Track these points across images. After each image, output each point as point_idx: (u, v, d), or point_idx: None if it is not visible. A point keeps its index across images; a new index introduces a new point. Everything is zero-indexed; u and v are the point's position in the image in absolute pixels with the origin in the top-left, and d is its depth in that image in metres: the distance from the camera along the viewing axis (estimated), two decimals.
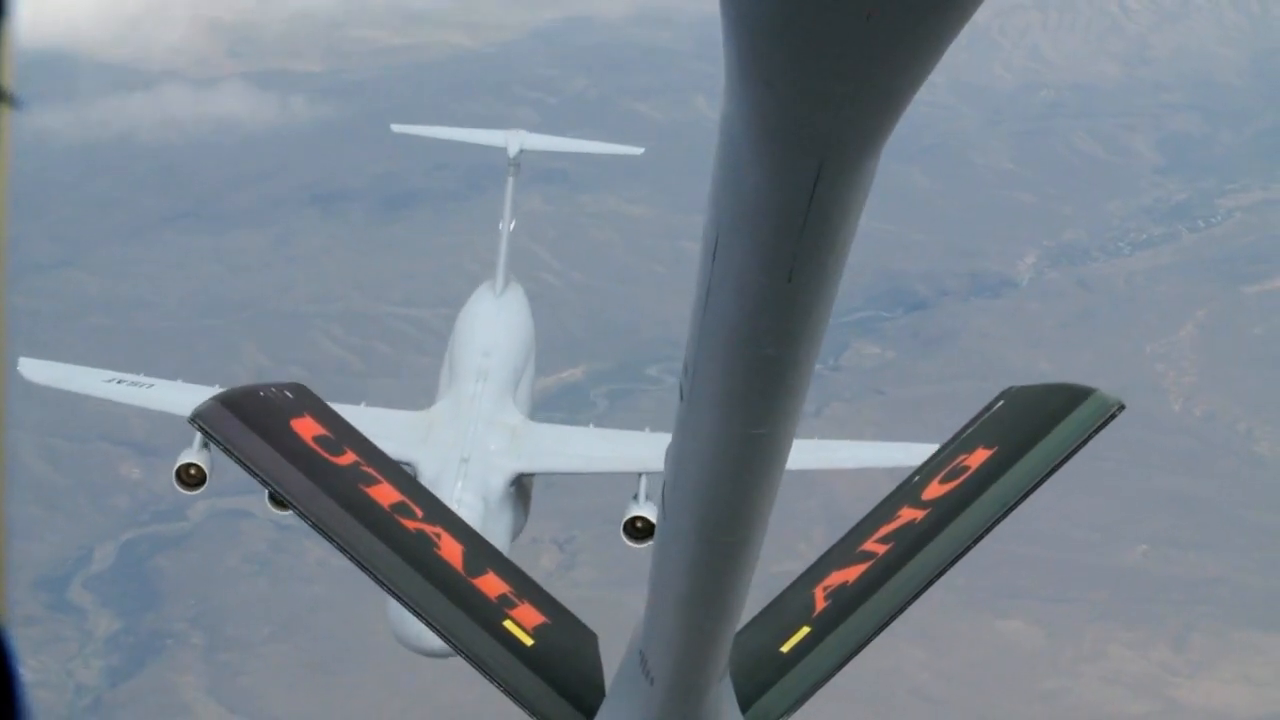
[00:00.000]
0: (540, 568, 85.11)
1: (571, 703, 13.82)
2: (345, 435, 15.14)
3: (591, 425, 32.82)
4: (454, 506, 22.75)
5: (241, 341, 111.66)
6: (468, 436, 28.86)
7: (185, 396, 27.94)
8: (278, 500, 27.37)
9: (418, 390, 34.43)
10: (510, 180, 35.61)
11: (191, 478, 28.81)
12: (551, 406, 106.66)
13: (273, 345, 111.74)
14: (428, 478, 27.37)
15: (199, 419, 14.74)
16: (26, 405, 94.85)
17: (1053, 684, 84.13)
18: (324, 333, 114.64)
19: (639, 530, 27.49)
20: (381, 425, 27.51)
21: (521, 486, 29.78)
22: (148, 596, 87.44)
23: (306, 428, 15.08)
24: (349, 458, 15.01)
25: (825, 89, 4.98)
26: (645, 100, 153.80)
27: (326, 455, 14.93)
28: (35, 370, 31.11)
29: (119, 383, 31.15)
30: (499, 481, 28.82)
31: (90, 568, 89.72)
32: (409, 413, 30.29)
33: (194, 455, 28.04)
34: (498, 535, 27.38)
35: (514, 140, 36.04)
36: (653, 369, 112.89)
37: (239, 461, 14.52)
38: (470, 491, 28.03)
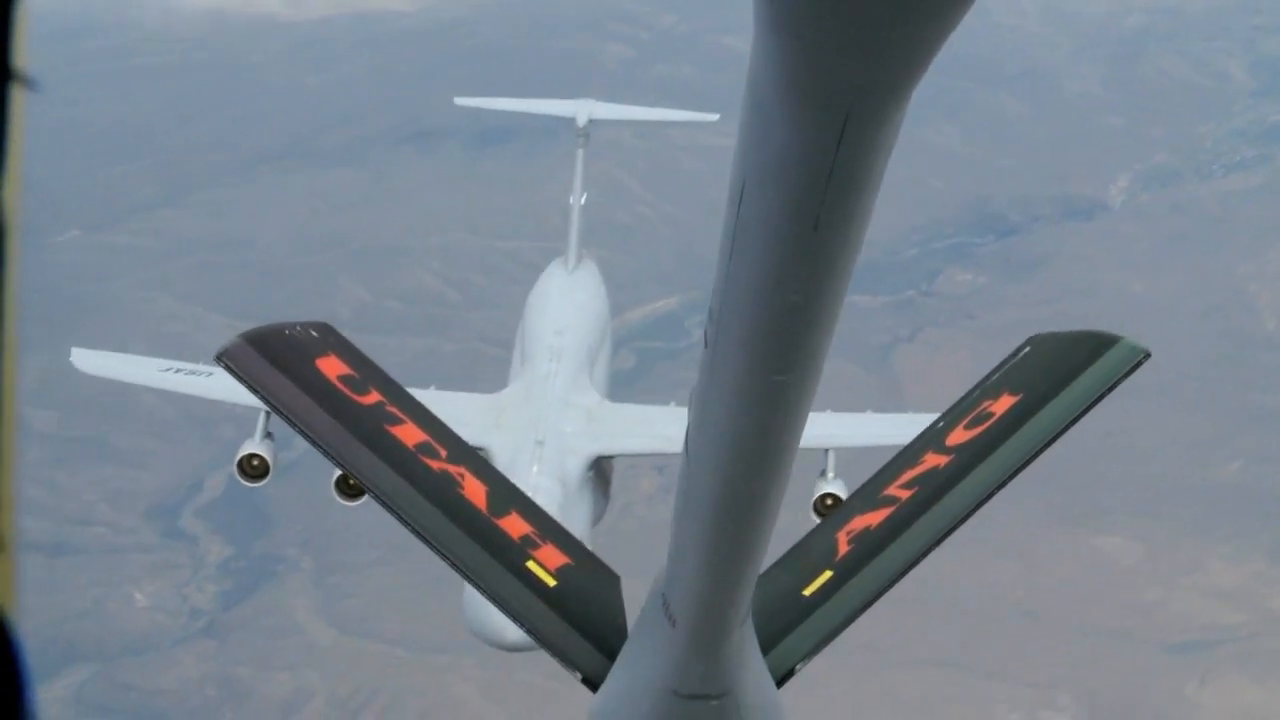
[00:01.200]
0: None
1: (593, 644, 13.76)
2: (370, 374, 15.01)
3: (672, 404, 30.32)
4: (530, 492, 21.65)
5: (340, 276, 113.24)
6: (542, 419, 27.64)
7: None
8: (344, 489, 25.77)
9: (515, 323, 33.10)
10: (580, 152, 34.14)
11: (254, 469, 28.18)
12: (647, 336, 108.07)
13: (371, 280, 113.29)
14: (502, 463, 25.78)
15: (225, 357, 14.67)
16: (138, 339, 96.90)
17: (1150, 597, 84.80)
18: (422, 266, 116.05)
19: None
20: (452, 409, 25.36)
21: (600, 470, 28.69)
22: (257, 523, 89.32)
23: (331, 366, 14.89)
24: (374, 397, 14.82)
25: (854, 39, 5.02)
26: (734, 34, 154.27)
27: (351, 394, 14.75)
28: (87, 361, 29.88)
29: (175, 372, 30.04)
30: (576, 465, 27.76)
31: (201, 497, 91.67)
32: (480, 396, 29.14)
33: (256, 446, 27.59)
34: (576, 521, 26.37)
35: (583, 110, 34.61)
36: None
37: (264, 399, 14.56)
38: (547, 476, 27.03)
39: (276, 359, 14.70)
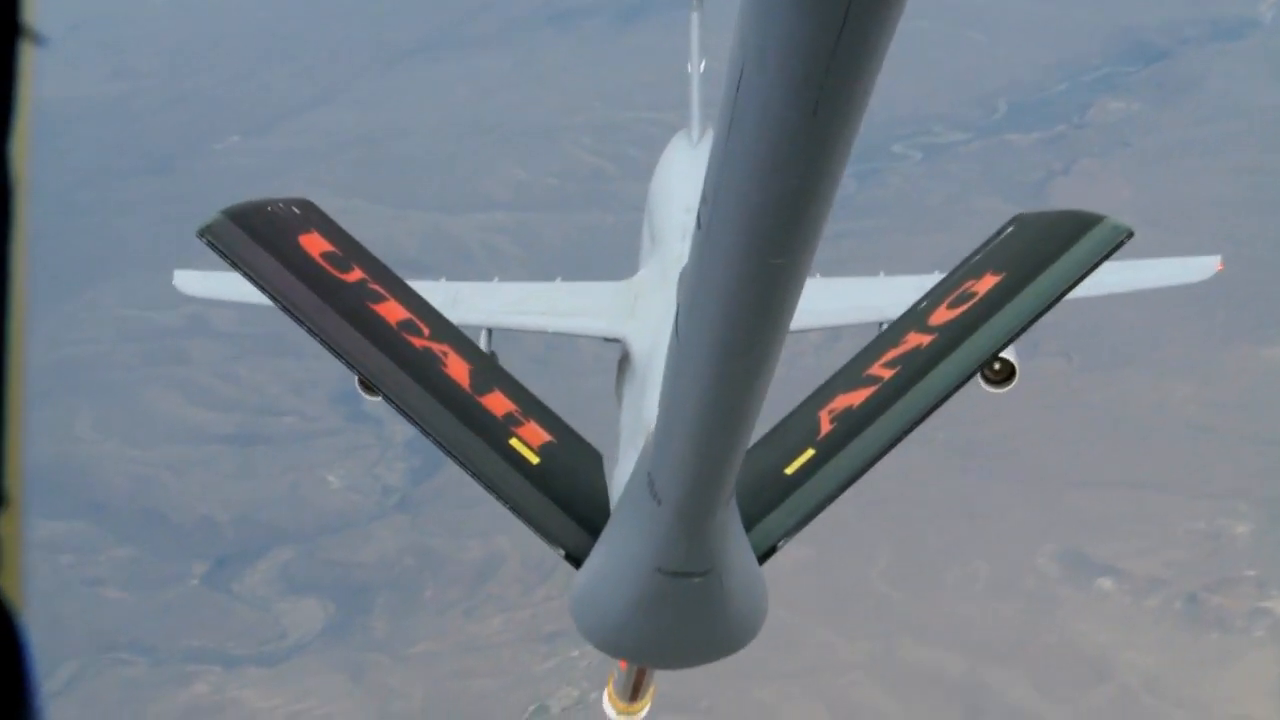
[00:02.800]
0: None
1: (577, 521, 13.87)
2: (353, 252, 15.14)
3: (817, 275, 30.90)
4: None
5: (497, 159, 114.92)
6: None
7: None
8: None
9: None
10: (694, 15, 32.11)
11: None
12: None
13: (527, 160, 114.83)
14: (639, 355, 23.88)
15: (207, 233, 14.73)
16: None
17: None
18: (575, 143, 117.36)
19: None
20: (583, 299, 25.41)
21: None
22: None
23: (314, 244, 14.98)
24: (356, 275, 14.89)
25: None
26: None
27: (334, 271, 14.81)
28: (190, 283, 28.08)
29: None
30: None
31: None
32: (611, 283, 27.26)
33: None
34: None
35: None
36: (898, 147, 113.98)
37: (246, 275, 14.65)
38: None
39: (259, 235, 14.84)
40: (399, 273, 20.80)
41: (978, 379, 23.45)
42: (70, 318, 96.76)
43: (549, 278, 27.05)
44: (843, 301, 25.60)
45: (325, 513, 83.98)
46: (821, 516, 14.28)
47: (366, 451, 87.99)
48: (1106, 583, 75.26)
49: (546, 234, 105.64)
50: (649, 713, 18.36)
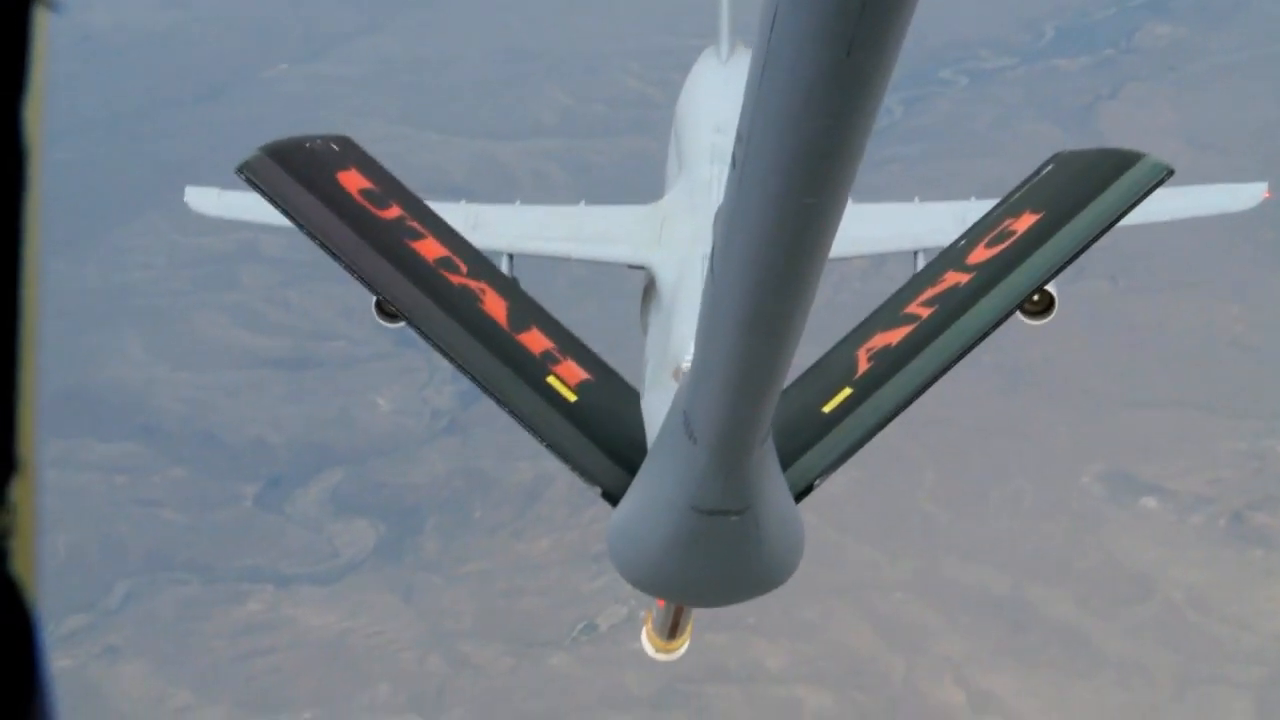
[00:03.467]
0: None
1: (613, 459, 13.97)
2: (391, 189, 15.16)
3: (850, 201, 28.63)
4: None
5: (544, 86, 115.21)
6: (710, 229, 24.98)
7: None
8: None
9: None
10: None
11: (391, 310, 27.41)
12: None
13: (575, 87, 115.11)
14: (665, 283, 23.04)
15: (246, 169, 14.81)
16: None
17: None
18: (623, 70, 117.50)
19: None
20: (607, 224, 24.63)
21: None
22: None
23: (352, 181, 14.98)
24: (394, 212, 14.89)
25: None
26: None
27: (372, 209, 14.81)
28: (202, 200, 27.27)
29: None
30: None
31: None
32: (635, 207, 26.03)
33: None
34: None
35: None
36: (945, 72, 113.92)
37: (285, 213, 14.72)
38: None
39: (297, 172, 14.89)
40: (444, 200, 20.88)
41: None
42: (122, 244, 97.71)
43: (591, 204, 26.33)
44: (877, 229, 24.67)
45: (375, 436, 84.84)
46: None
47: (415, 375, 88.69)
48: (1151, 502, 75.74)
49: (594, 160, 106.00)
50: (692, 637, 18.59)
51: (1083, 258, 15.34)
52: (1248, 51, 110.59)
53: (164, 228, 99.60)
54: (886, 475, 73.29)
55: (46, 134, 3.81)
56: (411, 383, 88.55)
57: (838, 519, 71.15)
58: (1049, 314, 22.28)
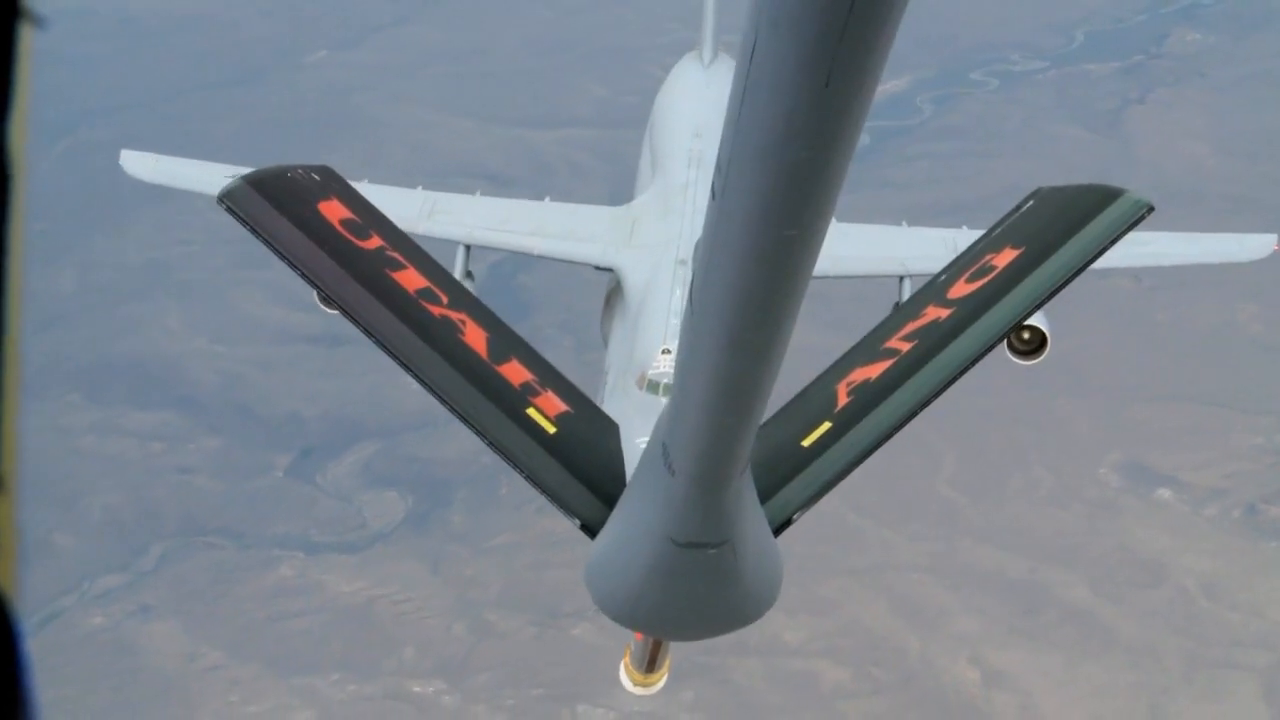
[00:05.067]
0: None
1: (592, 491, 13.77)
2: (372, 220, 15.09)
3: (832, 221, 27.02)
4: (670, 321, 20.32)
5: (579, 78, 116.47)
6: (684, 234, 22.70)
7: None
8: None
9: None
10: None
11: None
12: (879, 115, 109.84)
13: (609, 78, 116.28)
14: (635, 285, 22.60)
15: (227, 199, 14.81)
16: (394, 148, 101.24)
17: None
18: (656, 63, 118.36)
19: None
20: (573, 221, 24.53)
21: None
22: (518, 308, 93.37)
23: (333, 211, 14.97)
24: (375, 242, 14.82)
25: None
26: None
27: (353, 239, 14.77)
28: (137, 164, 26.48)
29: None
30: None
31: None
32: (604, 208, 25.43)
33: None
34: None
35: None
36: (976, 73, 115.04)
37: (266, 243, 14.69)
38: None
39: (278, 201, 14.87)
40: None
41: (1004, 350, 22.70)
42: (163, 221, 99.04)
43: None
44: (864, 250, 24.17)
45: (406, 412, 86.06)
46: None
47: None
48: (1166, 493, 76.95)
49: (626, 151, 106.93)
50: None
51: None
52: (1278, 59, 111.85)
53: (202, 206, 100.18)
54: (907, 461, 74.49)
55: (29, 151, 3.67)
56: None
57: (858, 502, 72.41)
58: (1040, 354, 22.42)
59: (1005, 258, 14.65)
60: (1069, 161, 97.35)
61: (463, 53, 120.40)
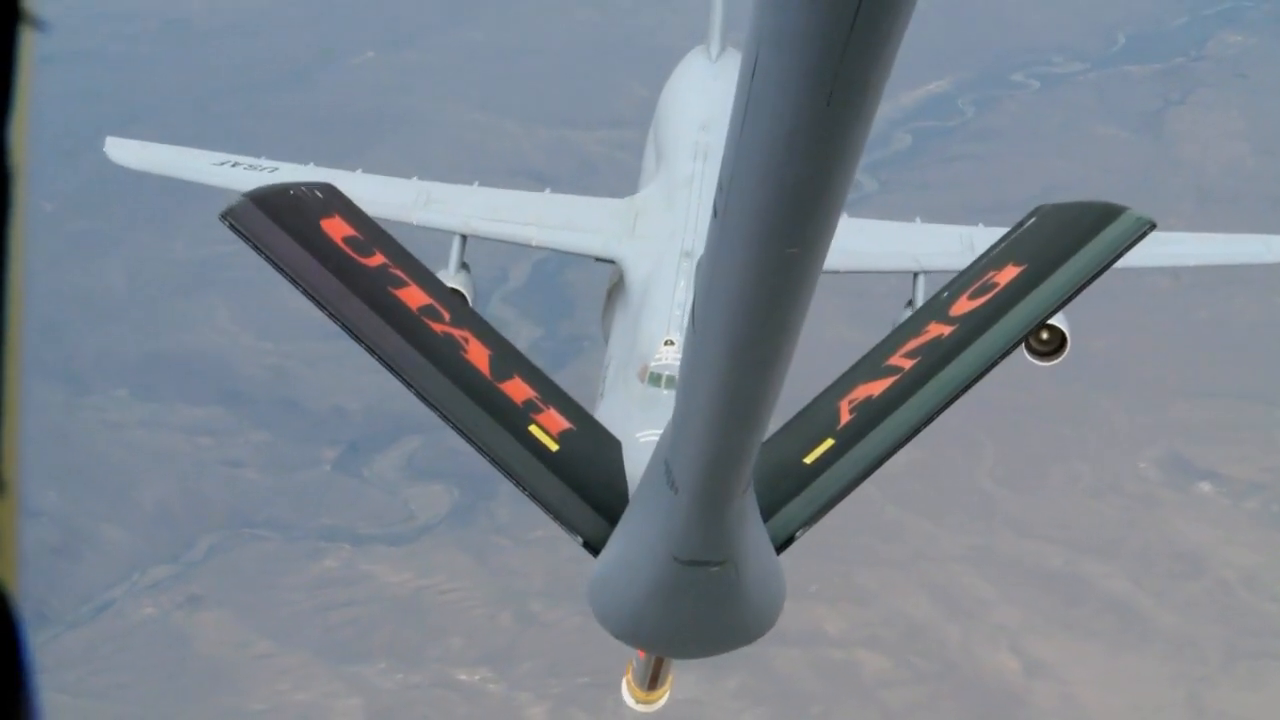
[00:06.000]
0: None
1: (595, 508, 14.16)
2: (375, 237, 15.08)
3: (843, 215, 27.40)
4: (674, 312, 20.03)
5: (622, 78, 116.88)
6: (689, 227, 22.40)
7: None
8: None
9: None
10: None
11: None
12: (920, 116, 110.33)
13: (652, 79, 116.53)
14: (638, 278, 22.23)
15: (230, 216, 14.89)
16: (439, 148, 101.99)
17: None
18: None
19: None
20: (574, 212, 24.33)
21: None
22: (561, 306, 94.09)
23: (336, 228, 14.99)
24: (378, 259, 14.88)
25: None
26: None
27: (356, 256, 14.85)
28: (123, 151, 26.11)
29: (233, 166, 25.75)
30: None
31: (508, 285, 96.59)
32: (606, 199, 25.15)
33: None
34: None
35: None
36: (1017, 75, 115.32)
37: (268, 260, 14.88)
38: None
39: (281, 219, 14.93)
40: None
41: (1023, 351, 22.25)
42: (211, 218, 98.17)
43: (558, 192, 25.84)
44: (879, 245, 24.00)
45: None
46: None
47: None
48: (1206, 486, 77.34)
49: None
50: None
51: None
52: None
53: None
54: (947, 453, 75.06)
55: (31, 155, 3.66)
56: None
57: (898, 494, 72.95)
58: (1060, 354, 22.31)
59: (1007, 275, 14.70)
60: (1109, 163, 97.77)
61: (509, 53, 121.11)
